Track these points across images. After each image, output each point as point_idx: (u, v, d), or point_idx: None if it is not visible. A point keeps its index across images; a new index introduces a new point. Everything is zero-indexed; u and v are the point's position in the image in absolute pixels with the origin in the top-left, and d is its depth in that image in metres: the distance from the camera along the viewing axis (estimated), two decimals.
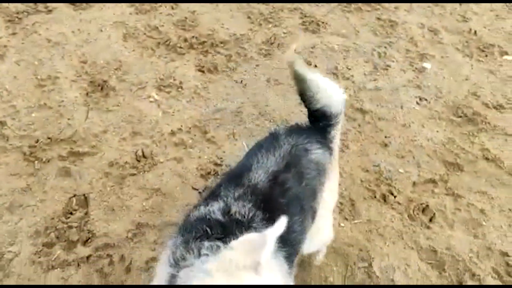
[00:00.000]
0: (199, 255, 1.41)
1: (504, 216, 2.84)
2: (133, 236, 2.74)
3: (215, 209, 1.63)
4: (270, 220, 1.61)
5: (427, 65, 3.69)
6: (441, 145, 3.18)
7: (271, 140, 2.02)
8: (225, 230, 1.53)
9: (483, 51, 3.82)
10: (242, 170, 1.91)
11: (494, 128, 3.27)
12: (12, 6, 4.27)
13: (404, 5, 4.29)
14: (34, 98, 3.52)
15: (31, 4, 4.31)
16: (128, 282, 2.56)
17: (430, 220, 2.82)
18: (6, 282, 2.51)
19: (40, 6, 4.32)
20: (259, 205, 1.67)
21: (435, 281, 2.56)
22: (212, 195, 1.79)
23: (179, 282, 1.36)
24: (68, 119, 3.37)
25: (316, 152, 1.99)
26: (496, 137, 3.22)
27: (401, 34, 3.98)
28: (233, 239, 1.38)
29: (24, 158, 3.09)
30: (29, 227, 2.75)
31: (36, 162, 3.08)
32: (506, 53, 3.81)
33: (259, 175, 1.83)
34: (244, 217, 1.61)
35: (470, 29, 4.02)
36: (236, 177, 1.86)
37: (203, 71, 3.74)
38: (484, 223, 2.80)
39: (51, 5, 4.32)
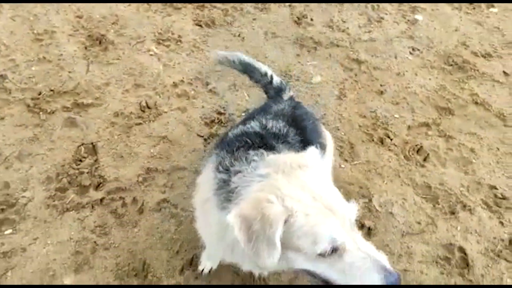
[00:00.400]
0: (248, 162, 1.54)
1: (492, 154, 3.04)
2: (144, 180, 2.85)
3: (254, 125, 1.83)
4: (300, 135, 1.84)
5: (418, 17, 3.83)
6: (433, 92, 3.35)
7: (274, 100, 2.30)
8: (265, 140, 1.70)
9: (471, 3, 3.97)
10: (266, 106, 2.14)
11: (482, 75, 3.45)
12: None
13: None
14: (32, 52, 3.54)
15: None
16: (142, 222, 2.69)
17: (424, 159, 3.01)
18: (23, 224, 2.61)
19: None
20: (290, 123, 1.87)
21: (430, 212, 2.76)
22: (247, 119, 1.97)
23: (233, 186, 1.48)
24: (69, 72, 3.41)
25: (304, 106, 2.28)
26: (484, 83, 3.40)
27: None
28: (274, 148, 1.56)
29: (28, 109, 3.15)
30: (40, 174, 2.84)
31: (41, 113, 3.14)
32: (493, 6, 3.97)
33: (283, 107, 2.10)
34: (280, 131, 1.80)
35: None
36: (263, 110, 2.10)
37: (200, 25, 3.80)
38: (474, 160, 3.00)
39: None
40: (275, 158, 1.48)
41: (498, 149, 3.07)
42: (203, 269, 2.48)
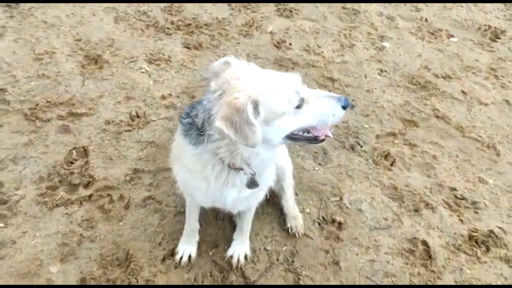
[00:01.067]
0: (203, 101, 1.97)
1: (452, 161, 3.34)
2: (131, 179, 3.06)
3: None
4: None
5: (386, 44, 4.23)
6: (399, 106, 3.68)
7: None
8: None
9: (432, 34, 4.40)
10: None
11: (443, 93, 3.81)
12: None
13: None
14: (32, 70, 3.79)
15: None
16: (127, 217, 2.88)
17: (392, 164, 3.29)
18: (14, 219, 2.78)
19: None
20: None
21: (396, 210, 3.01)
22: None
23: (199, 121, 1.91)
24: (66, 86, 3.66)
25: None
26: (445, 100, 3.75)
27: (363, 20, 4.52)
28: None
29: (25, 118, 3.36)
30: (33, 174, 3.03)
31: (36, 121, 3.36)
32: (452, 36, 4.39)
33: None
34: None
35: (422, 17, 4.61)
36: None
37: (189, 48, 4.13)
38: (436, 166, 3.29)
39: None
40: (219, 81, 1.85)
41: (457, 156, 3.37)
42: (181, 257, 2.67)
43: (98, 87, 3.68)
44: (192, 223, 2.68)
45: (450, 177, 3.23)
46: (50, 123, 3.36)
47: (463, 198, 3.09)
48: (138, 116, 3.49)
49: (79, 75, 3.77)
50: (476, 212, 3.03)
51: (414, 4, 4.80)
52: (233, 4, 4.61)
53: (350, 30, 4.39)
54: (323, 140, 1.98)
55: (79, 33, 4.19)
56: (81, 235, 2.75)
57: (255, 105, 1.73)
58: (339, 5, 4.69)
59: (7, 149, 3.15)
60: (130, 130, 3.38)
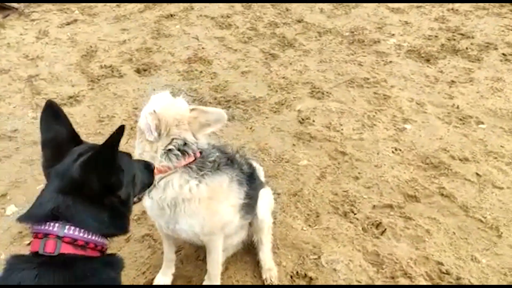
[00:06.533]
0: None
1: (447, 237, 3.24)
2: (138, 218, 3.49)
3: None
4: None
5: (407, 126, 4.34)
6: (404, 182, 3.71)
7: None
8: None
9: (461, 120, 4.41)
10: None
11: (455, 174, 3.76)
12: (95, 72, 5.56)
13: (399, 84, 5.06)
14: (93, 128, 4.57)
15: (109, 71, 5.58)
16: (125, 249, 3.28)
17: (381, 233, 3.29)
18: None
19: (115, 72, 5.57)
20: None
21: (372, 275, 2.99)
22: None
23: None
24: None
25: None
26: (455, 180, 3.70)
27: (391, 105, 4.70)
28: None
29: None
30: None
31: None
32: (482, 123, 4.36)
33: None
34: None
35: (454, 104, 4.66)
36: None
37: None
38: (427, 239, 3.22)
39: (123, 72, 5.58)
40: None
41: (454, 233, 3.26)
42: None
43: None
44: (166, 253, 2.98)
45: (439, 252, 3.12)
46: None
47: (447, 273, 2.97)
48: None
49: (127, 135, 4.42)
50: None
51: (449, 92, 4.89)
52: (272, 86, 5.11)
53: (375, 112, 4.59)
54: None
55: (137, 103, 4.96)
56: None
57: None
58: (371, 90, 4.95)
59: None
60: None
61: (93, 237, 1.56)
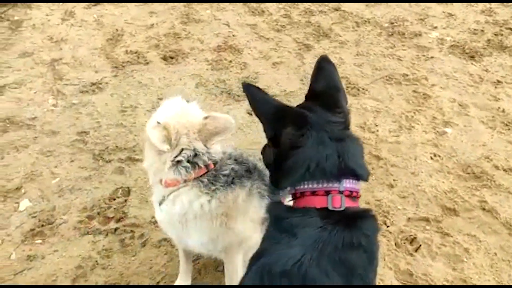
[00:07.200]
0: None
1: (488, 258, 2.97)
2: (155, 221, 3.29)
3: None
4: None
5: (448, 130, 4.02)
6: (442, 193, 3.43)
7: None
8: None
9: (507, 125, 4.06)
10: None
11: (498, 186, 3.45)
12: (120, 58, 5.39)
13: (440, 82, 4.71)
14: (115, 119, 4.41)
15: (135, 58, 5.40)
16: (141, 254, 3.15)
17: (416, 250, 3.04)
18: (51, 239, 3.21)
19: (141, 59, 5.39)
20: None
21: None
22: None
23: None
24: (135, 135, 4.17)
25: None
26: (498, 194, 3.40)
27: (432, 105, 4.38)
28: None
29: (93, 157, 3.90)
30: (80, 204, 3.49)
31: (100, 161, 3.88)
32: None
33: None
34: None
35: (499, 107, 4.30)
36: None
37: (250, 114, 4.42)
38: (465, 260, 2.96)
39: (149, 59, 5.38)
40: None
41: (495, 254, 2.99)
42: None
43: None
44: (182, 262, 2.80)
45: (478, 275, 2.86)
46: (110, 164, 3.84)
47: None
48: None
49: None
50: None
51: (494, 93, 4.52)
52: (305, 80, 4.84)
53: (414, 112, 4.28)
54: None
55: (163, 93, 4.77)
56: (96, 261, 3.08)
57: None
58: (410, 87, 4.63)
59: (69, 180, 3.68)
60: None
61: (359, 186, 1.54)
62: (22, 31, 5.71)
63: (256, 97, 1.61)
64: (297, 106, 1.72)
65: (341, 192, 1.47)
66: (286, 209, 1.55)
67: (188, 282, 2.83)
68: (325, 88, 1.68)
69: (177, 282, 2.84)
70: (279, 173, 1.61)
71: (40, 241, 3.19)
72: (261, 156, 1.83)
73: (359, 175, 1.53)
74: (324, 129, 1.55)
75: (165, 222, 2.34)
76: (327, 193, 1.46)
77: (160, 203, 2.24)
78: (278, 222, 1.51)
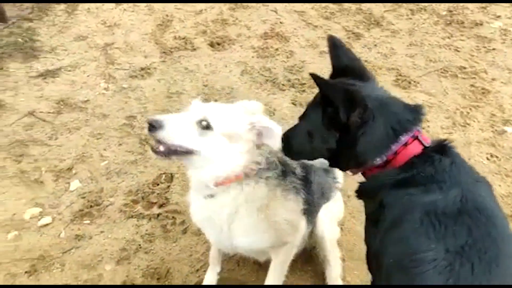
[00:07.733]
0: None
1: None
2: None
3: None
4: None
5: (508, 129, 3.77)
6: (499, 197, 3.22)
7: None
8: None
9: None
10: None
11: None
12: (169, 43, 5.42)
13: (502, 77, 4.43)
14: (161, 104, 4.45)
15: (183, 43, 5.41)
16: (182, 241, 3.17)
17: None
18: (98, 220, 3.31)
19: (188, 45, 5.39)
20: None
21: None
22: None
23: None
24: None
25: None
26: None
27: (491, 101, 4.12)
28: None
29: (140, 142, 3.95)
30: (126, 187, 3.55)
31: (146, 145, 3.91)
32: None
33: None
34: None
35: None
36: None
37: (295, 104, 4.34)
38: None
39: (196, 45, 5.38)
40: None
41: None
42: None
43: None
44: (212, 259, 2.81)
45: None
46: None
47: None
48: None
49: None
50: None
51: None
52: None
53: (470, 109, 4.04)
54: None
55: (208, 80, 4.76)
56: (139, 245, 3.12)
57: None
58: (467, 81, 4.38)
59: (117, 164, 3.75)
60: None
61: None
62: (78, 15, 5.85)
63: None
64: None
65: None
66: (401, 171, 1.64)
67: (218, 270, 2.82)
68: (349, 62, 1.84)
69: (208, 271, 2.85)
70: (350, 153, 1.71)
71: (88, 221, 3.28)
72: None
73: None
74: (376, 97, 1.68)
75: (205, 220, 2.30)
76: (415, 138, 1.66)
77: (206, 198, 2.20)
78: (408, 181, 1.60)
